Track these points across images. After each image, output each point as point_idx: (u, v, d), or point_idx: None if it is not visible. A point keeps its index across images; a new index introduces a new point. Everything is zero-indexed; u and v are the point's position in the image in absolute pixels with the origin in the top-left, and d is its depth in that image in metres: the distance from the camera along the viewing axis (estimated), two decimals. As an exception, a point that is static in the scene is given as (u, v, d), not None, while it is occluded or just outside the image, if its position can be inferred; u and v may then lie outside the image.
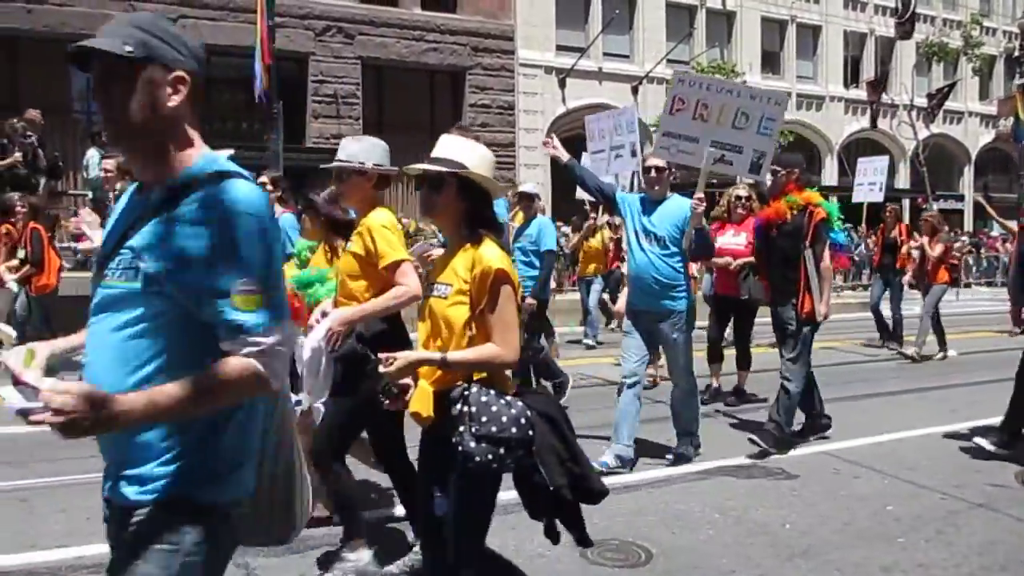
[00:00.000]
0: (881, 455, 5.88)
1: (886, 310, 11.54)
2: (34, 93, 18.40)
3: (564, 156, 5.77)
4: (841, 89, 31.27)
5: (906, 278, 11.27)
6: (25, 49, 19.64)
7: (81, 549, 3.96)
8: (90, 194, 11.94)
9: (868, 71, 31.86)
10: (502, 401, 2.65)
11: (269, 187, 6.70)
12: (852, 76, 31.95)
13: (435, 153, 2.84)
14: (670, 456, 5.82)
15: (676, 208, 5.53)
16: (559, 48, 25.26)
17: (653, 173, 5.60)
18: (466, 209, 2.79)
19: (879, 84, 29.42)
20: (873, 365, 10.39)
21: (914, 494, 5.06)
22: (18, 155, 11.48)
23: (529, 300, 7.15)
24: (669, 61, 26.18)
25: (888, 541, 4.29)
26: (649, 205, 5.62)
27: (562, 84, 25.33)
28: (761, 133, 5.45)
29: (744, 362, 8.04)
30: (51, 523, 4.35)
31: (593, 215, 11.35)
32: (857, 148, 32.20)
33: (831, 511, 4.73)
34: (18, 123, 12.26)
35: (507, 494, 4.95)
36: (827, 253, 6.08)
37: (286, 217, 6.13)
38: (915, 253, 10.92)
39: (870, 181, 13.30)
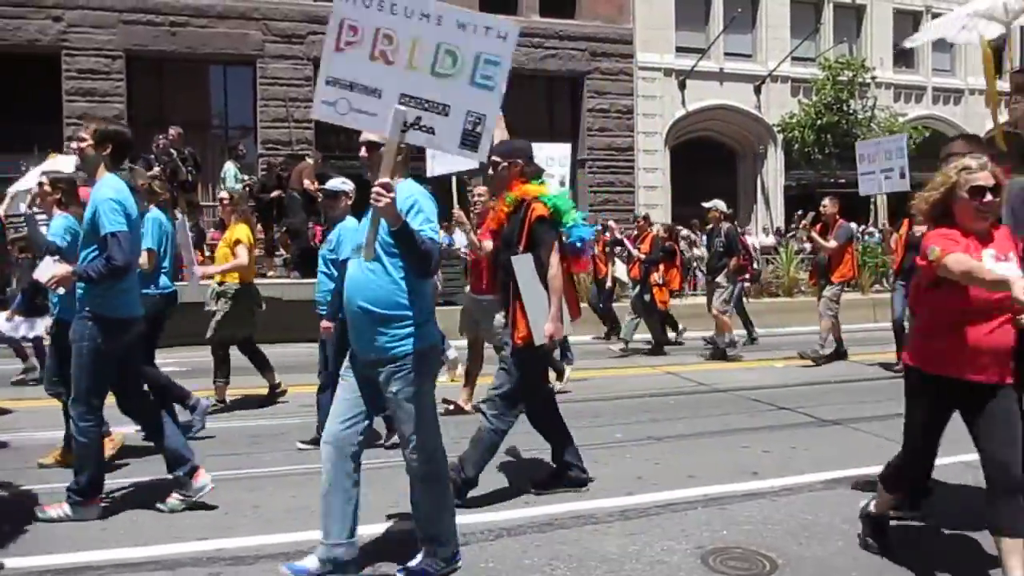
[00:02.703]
0: (1028, 468, 5.51)
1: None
2: (177, 110, 19.61)
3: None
4: (982, 81, 29.58)
5: None
6: (169, 69, 20.92)
7: (220, 542, 4.19)
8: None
9: (1012, 60, 30.01)
10: None
11: (47, 187, 5.93)
12: (995, 67, 30.17)
13: None
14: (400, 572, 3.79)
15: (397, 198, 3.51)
16: (679, 50, 24.91)
17: (363, 151, 3.85)
18: None
19: None
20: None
21: (1065, 510, 4.72)
22: (156, 170, 12.49)
23: (324, 324, 5.98)
24: (794, 58, 25.43)
25: (1035, 560, 4.02)
26: None
27: (682, 86, 24.97)
28: (477, 84, 3.50)
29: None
30: (192, 517, 4.61)
31: None
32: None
33: (970, 524, 4.48)
34: (162, 140, 13.19)
35: (627, 499, 4.94)
36: (557, 259, 4.75)
37: (59, 219, 5.76)
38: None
39: (884, 168, 10.70)
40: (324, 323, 6.02)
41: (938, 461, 5.66)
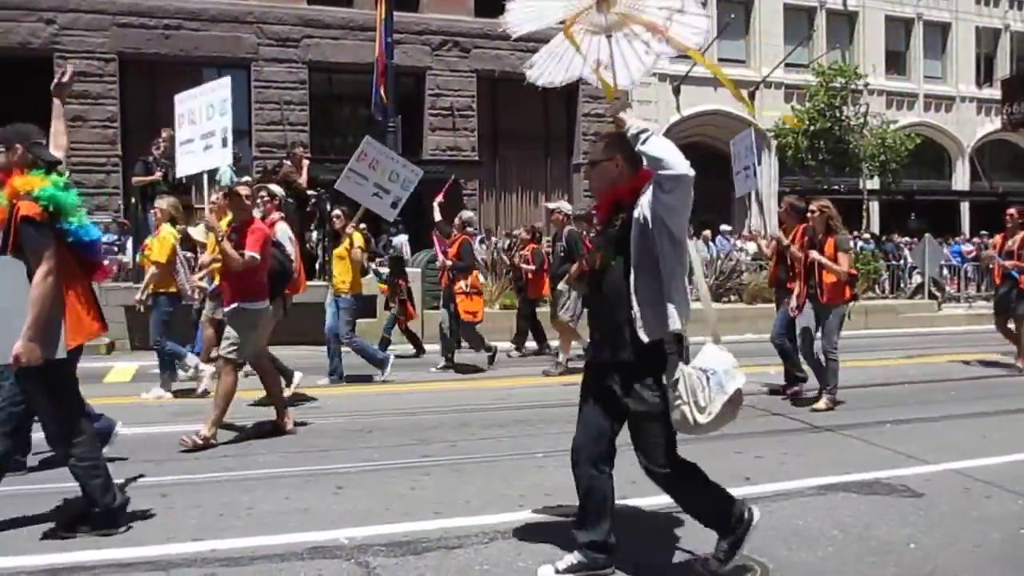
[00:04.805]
0: (1018, 475, 5.55)
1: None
2: (170, 113, 19.51)
3: None
4: (973, 89, 29.75)
5: (792, 303, 7.94)
6: (162, 72, 20.89)
7: (214, 543, 4.20)
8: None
9: (1003, 69, 30.20)
10: None
11: None
12: (985, 75, 30.35)
13: None
14: None
15: None
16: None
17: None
18: None
19: (1017, 90, 27.68)
20: (1016, 380, 9.80)
21: (1054, 517, 4.76)
22: (159, 174, 12.77)
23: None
24: (787, 65, 25.56)
25: (1023, 567, 4.07)
26: None
27: (676, 92, 25.06)
28: None
29: None
30: (186, 518, 4.61)
31: (337, 214, 9.86)
32: (991, 150, 30.60)
33: (960, 532, 4.51)
34: (163, 143, 13.33)
35: (620, 503, 4.96)
36: (45, 268, 3.98)
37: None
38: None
39: (744, 165, 9.46)
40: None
41: (927, 469, 5.73)
